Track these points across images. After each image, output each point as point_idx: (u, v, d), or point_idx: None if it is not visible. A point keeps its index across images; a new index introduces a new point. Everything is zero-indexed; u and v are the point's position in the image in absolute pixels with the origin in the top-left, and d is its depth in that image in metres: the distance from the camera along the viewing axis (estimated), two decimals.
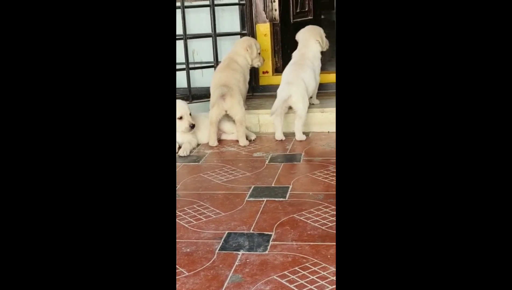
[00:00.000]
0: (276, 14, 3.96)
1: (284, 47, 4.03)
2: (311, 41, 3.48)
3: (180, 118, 3.12)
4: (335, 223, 2.10)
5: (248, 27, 3.84)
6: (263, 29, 3.89)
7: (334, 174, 2.65)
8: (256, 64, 3.57)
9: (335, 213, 2.19)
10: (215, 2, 3.73)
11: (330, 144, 3.16)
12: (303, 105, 3.24)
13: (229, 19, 3.91)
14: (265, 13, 3.88)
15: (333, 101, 3.59)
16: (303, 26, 4.05)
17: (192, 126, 3.14)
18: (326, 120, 3.41)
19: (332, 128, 3.39)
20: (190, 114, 3.16)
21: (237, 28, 3.89)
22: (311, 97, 3.45)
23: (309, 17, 4.40)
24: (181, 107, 3.13)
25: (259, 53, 3.56)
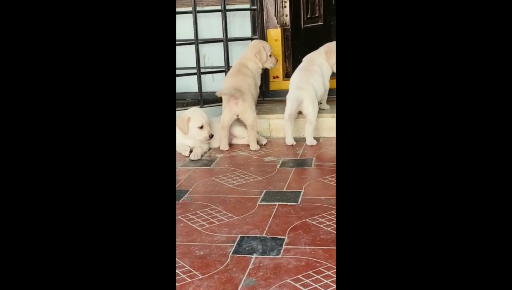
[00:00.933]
0: (287, 19, 3.97)
1: (294, 52, 4.05)
2: (321, 47, 3.49)
3: (201, 127, 3.15)
4: None
5: (259, 32, 3.85)
6: (274, 34, 3.91)
7: None
8: (269, 66, 3.56)
9: None
10: (227, 7, 3.75)
11: None
12: (313, 110, 3.25)
13: (240, 24, 3.93)
14: (276, 19, 3.90)
15: None
16: (313, 32, 4.06)
17: (211, 136, 3.17)
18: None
19: None
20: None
21: (248, 33, 3.91)
22: (320, 103, 3.46)
23: (320, 23, 4.42)
24: (203, 116, 3.16)
25: (270, 55, 3.54)
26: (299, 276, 1.76)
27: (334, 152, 3.12)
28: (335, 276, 1.75)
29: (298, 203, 2.38)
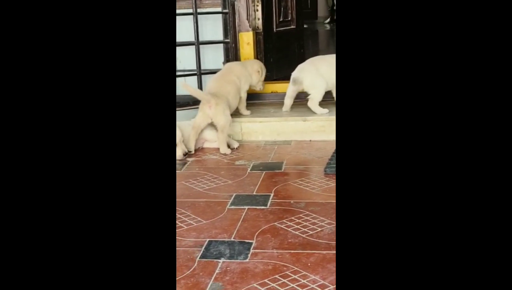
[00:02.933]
0: (259, 23, 3.98)
1: (267, 56, 4.05)
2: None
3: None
4: (315, 231, 2.11)
5: (231, 36, 3.85)
6: (246, 37, 3.91)
7: (316, 182, 2.67)
8: (259, 87, 3.69)
9: (316, 221, 2.20)
10: (198, 11, 3.74)
11: (312, 153, 3.17)
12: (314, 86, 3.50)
13: (212, 28, 3.92)
14: (248, 22, 3.90)
15: None
16: (286, 35, 4.07)
17: (185, 154, 3.15)
18: (308, 129, 3.43)
19: (314, 136, 3.41)
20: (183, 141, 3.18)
21: (220, 36, 3.90)
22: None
23: (292, 26, 4.44)
24: (177, 134, 3.12)
25: (264, 78, 3.70)
26: (266, 280, 1.76)
27: (305, 156, 3.14)
28: (301, 280, 1.75)
29: (267, 207, 2.38)
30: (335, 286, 1.70)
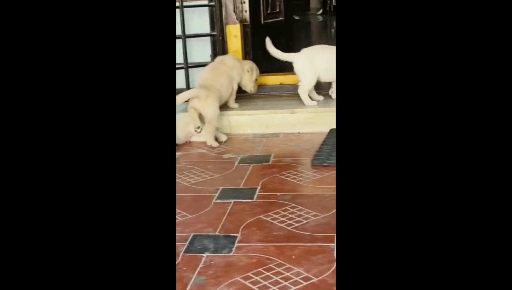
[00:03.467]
0: (247, 15, 3.95)
1: (255, 49, 4.03)
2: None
3: None
4: (301, 223, 2.10)
5: (218, 29, 3.82)
6: (233, 30, 3.88)
7: (303, 174, 2.65)
8: (249, 88, 3.63)
9: (301, 213, 2.19)
10: (184, 4, 3.71)
11: (300, 145, 3.16)
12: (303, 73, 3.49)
13: (199, 21, 3.89)
14: (235, 14, 3.88)
15: (302, 102, 3.59)
16: (274, 27, 4.05)
17: None
18: (296, 121, 3.41)
19: (302, 129, 3.40)
20: None
21: (206, 29, 3.88)
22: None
23: (280, 18, 4.42)
24: None
25: (256, 80, 3.64)
26: (249, 273, 1.75)
27: (293, 148, 3.12)
28: (285, 273, 1.74)
29: (254, 200, 2.37)
30: (318, 278, 1.69)
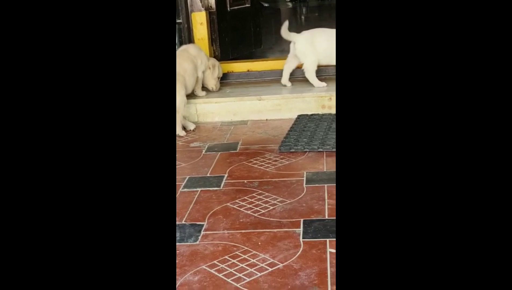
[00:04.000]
0: (212, 2, 3.91)
1: (221, 36, 4.00)
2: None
3: None
4: (267, 210, 2.10)
5: (183, 16, 3.78)
6: (199, 18, 3.84)
7: (270, 161, 2.65)
8: (211, 86, 3.59)
9: (268, 199, 2.19)
10: None
11: (267, 132, 3.16)
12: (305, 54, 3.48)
13: None
14: (201, 2, 3.83)
15: (270, 88, 3.59)
16: (241, 14, 4.02)
17: None
18: (263, 108, 3.41)
19: (270, 115, 3.39)
20: None
21: None
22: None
23: (247, 5, 4.38)
24: None
25: (219, 78, 3.60)
26: (215, 261, 1.74)
27: (261, 135, 3.12)
28: (251, 259, 1.74)
29: (221, 188, 2.36)
30: (284, 263, 1.69)
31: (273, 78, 3.81)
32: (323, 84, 3.48)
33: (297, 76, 3.64)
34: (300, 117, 3.27)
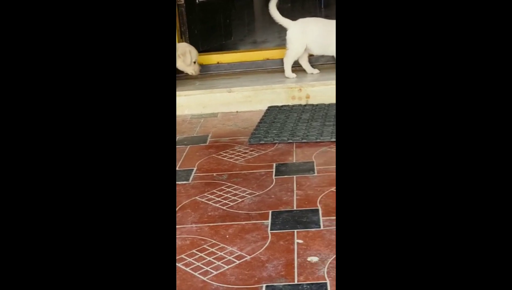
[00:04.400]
0: None
1: (191, 28, 3.96)
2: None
3: None
4: (236, 202, 2.09)
5: None
6: None
7: (240, 153, 2.64)
8: (190, 71, 3.56)
9: (237, 192, 2.18)
10: None
11: (237, 124, 3.14)
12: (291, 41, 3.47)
13: None
14: None
15: (240, 80, 3.58)
16: (210, 6, 3.99)
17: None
18: (233, 100, 3.39)
19: (240, 107, 3.38)
20: None
21: None
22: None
23: None
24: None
25: (195, 62, 3.55)
26: (183, 255, 1.73)
27: (231, 127, 3.10)
28: (219, 252, 1.73)
29: (189, 182, 2.34)
30: (251, 256, 1.69)
31: (243, 69, 3.79)
32: (294, 75, 3.48)
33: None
34: (270, 109, 3.26)
